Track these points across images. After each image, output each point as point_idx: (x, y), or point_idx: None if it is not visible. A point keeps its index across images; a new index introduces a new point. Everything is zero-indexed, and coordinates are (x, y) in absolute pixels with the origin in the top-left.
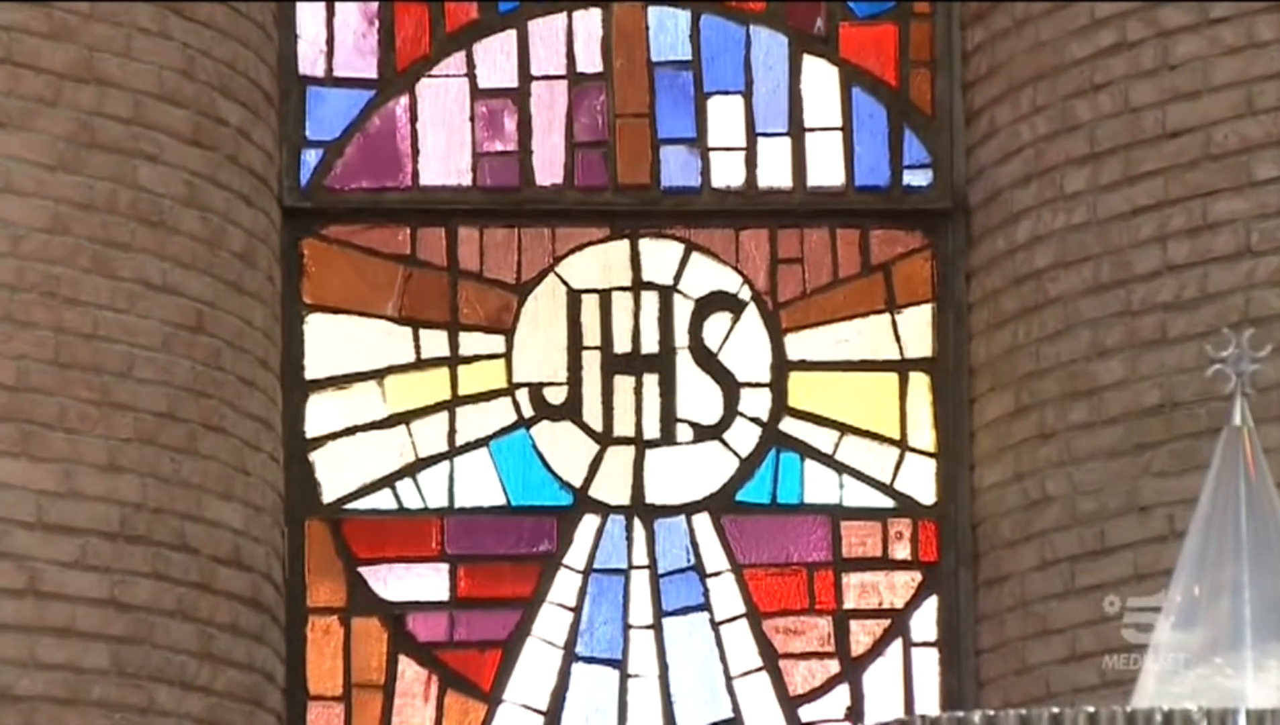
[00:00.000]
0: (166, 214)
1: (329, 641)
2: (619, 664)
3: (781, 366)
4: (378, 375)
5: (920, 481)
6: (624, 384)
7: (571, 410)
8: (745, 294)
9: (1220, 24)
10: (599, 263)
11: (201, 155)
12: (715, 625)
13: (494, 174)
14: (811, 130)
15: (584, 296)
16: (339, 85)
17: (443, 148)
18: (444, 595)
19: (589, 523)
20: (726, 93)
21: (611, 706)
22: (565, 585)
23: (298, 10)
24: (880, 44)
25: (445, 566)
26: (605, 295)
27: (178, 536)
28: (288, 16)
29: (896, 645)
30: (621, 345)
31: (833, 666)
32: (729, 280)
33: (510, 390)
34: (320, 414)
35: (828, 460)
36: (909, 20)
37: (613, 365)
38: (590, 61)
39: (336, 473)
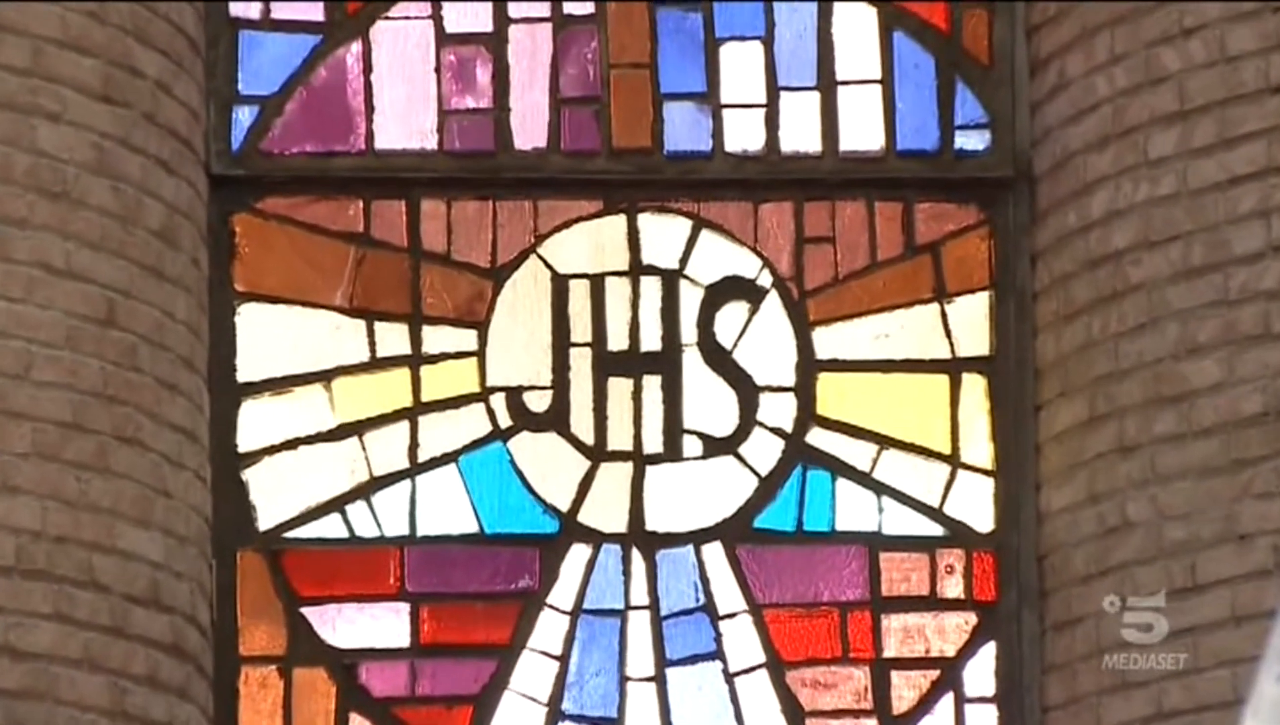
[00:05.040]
0: (71, 184)
1: (266, 696)
2: (614, 723)
3: (809, 367)
4: (325, 377)
5: (975, 505)
6: (620, 388)
7: (557, 419)
8: (765, 280)
9: None
10: (590, 242)
11: (113, 114)
12: (729, 677)
13: (464, 136)
14: (845, 84)
15: (572, 283)
16: (278, 29)
17: (402, 105)
18: (404, 641)
19: (578, 554)
20: (743, 38)
21: None
22: (549, 629)
23: None
24: None
25: (405, 607)
26: (597, 281)
27: (84, 571)
28: None
29: (947, 701)
30: (617, 342)
31: None
32: (746, 263)
33: (484, 395)
34: (256, 424)
35: (864, 479)
36: None
37: (607, 365)
38: (579, 1)
39: (275, 494)
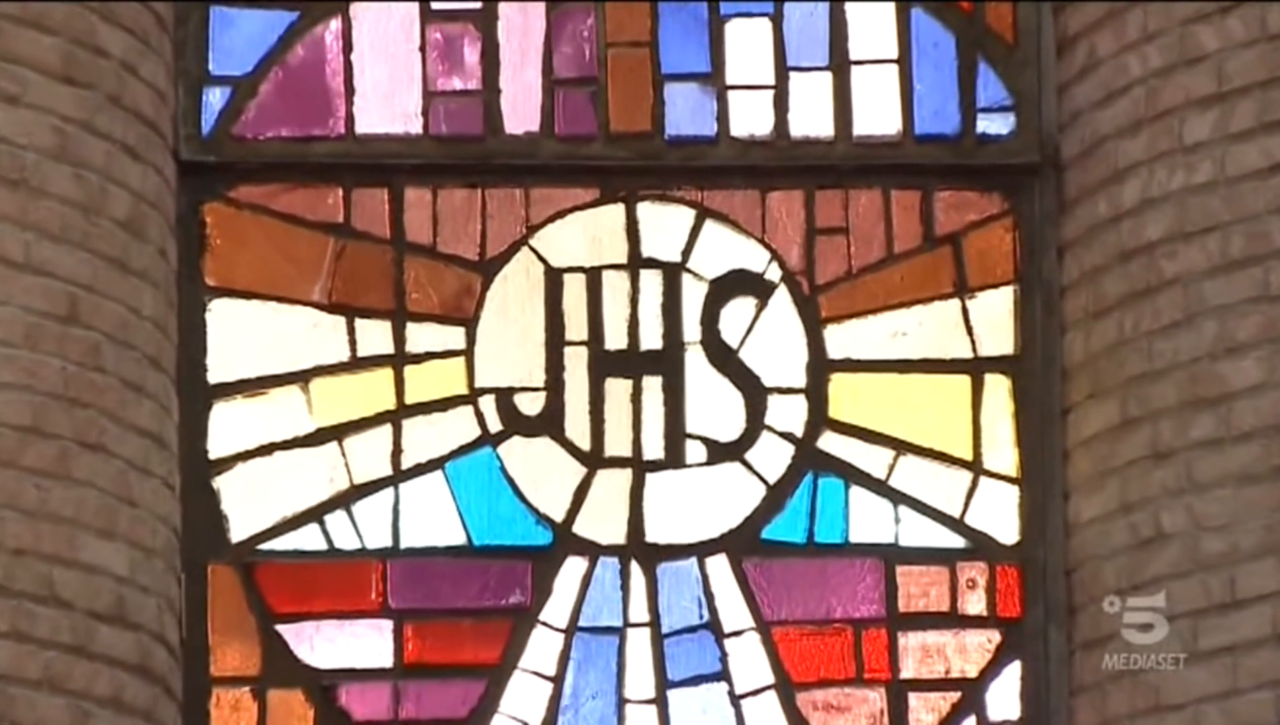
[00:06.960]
0: (30, 171)
1: (238, 720)
2: None
3: (820, 367)
4: (302, 378)
5: (999, 514)
6: (618, 389)
7: (551, 423)
8: (774, 274)
9: None
10: (586, 234)
11: (75, 96)
12: (735, 699)
13: (451, 120)
14: (859, 63)
15: (566, 277)
16: (252, 4)
17: (385, 86)
18: (387, 661)
19: (573, 567)
20: (749, 15)
21: None
22: (542, 648)
23: None
24: None
25: (388, 624)
26: (594, 275)
27: (44, 585)
28: None
29: None
30: (615, 340)
31: None
32: (753, 256)
33: (472, 397)
34: (228, 428)
35: (880, 487)
36: None
37: (604, 365)
38: None
39: (248, 504)
